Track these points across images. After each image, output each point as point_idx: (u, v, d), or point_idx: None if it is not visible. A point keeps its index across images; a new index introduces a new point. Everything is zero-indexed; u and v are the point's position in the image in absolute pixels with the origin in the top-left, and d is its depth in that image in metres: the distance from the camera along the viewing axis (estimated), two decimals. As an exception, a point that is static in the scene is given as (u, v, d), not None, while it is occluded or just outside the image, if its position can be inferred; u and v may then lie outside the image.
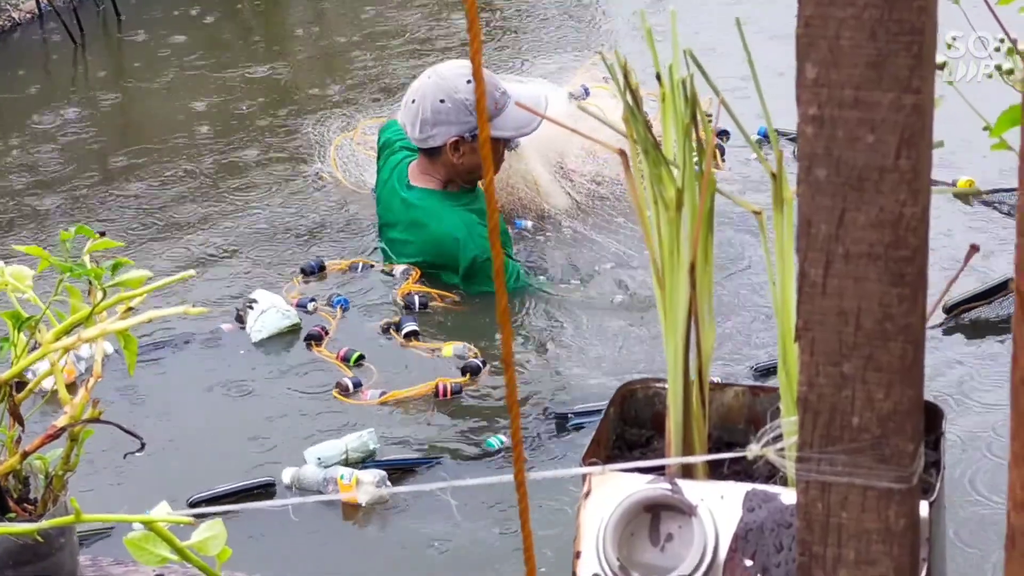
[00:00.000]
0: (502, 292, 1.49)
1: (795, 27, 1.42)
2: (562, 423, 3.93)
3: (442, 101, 4.35)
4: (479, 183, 4.53)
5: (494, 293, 4.42)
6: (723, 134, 5.07)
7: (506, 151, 4.52)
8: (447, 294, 4.48)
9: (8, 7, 6.96)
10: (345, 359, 4.23)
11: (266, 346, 4.33)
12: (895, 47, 1.41)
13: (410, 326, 4.32)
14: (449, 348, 4.25)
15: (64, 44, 6.83)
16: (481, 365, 4.16)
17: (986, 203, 4.80)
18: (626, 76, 1.69)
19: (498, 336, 4.29)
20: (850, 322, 1.49)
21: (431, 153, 4.44)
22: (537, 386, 4.08)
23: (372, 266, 4.67)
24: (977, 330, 4.26)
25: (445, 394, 4.06)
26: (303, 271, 4.67)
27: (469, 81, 4.33)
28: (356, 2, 7.30)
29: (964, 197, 4.83)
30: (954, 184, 4.80)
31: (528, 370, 4.15)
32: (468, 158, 4.42)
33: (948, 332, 4.26)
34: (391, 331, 4.34)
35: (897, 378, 1.50)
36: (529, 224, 4.84)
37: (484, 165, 1.41)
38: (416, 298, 4.43)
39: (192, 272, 2.03)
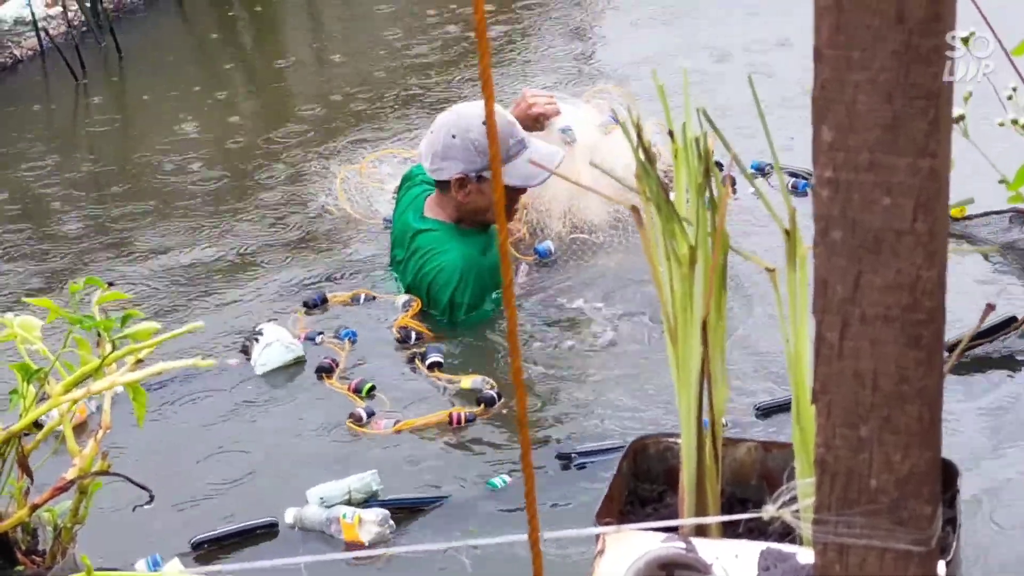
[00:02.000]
0: (516, 351, 1.49)
1: (812, 90, 1.42)
2: (566, 462, 3.92)
3: (453, 136, 4.39)
4: (490, 227, 4.55)
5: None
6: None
7: (520, 198, 4.56)
8: (439, 334, 4.48)
9: (10, 44, 6.97)
10: (357, 390, 4.23)
11: (271, 381, 4.32)
12: (911, 111, 1.41)
13: (435, 357, 4.34)
14: (468, 380, 4.26)
15: (66, 81, 6.83)
16: (496, 398, 4.17)
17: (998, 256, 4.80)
18: (638, 132, 1.69)
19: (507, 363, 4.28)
20: (867, 384, 1.49)
21: (442, 187, 4.48)
22: (545, 424, 4.07)
23: (374, 298, 4.67)
24: (980, 366, 4.26)
25: (459, 422, 4.07)
26: (305, 304, 4.67)
27: (484, 123, 4.35)
28: (357, 39, 7.31)
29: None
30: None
31: (538, 407, 4.15)
32: (474, 198, 4.44)
33: (953, 370, 4.25)
34: (416, 361, 4.36)
35: (915, 440, 1.50)
36: (551, 246, 4.85)
37: (498, 223, 1.41)
38: (412, 332, 4.44)
39: (201, 324, 2.02)
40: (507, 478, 3.85)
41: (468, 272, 4.46)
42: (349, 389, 4.25)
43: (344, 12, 7.87)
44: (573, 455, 3.92)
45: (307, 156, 5.79)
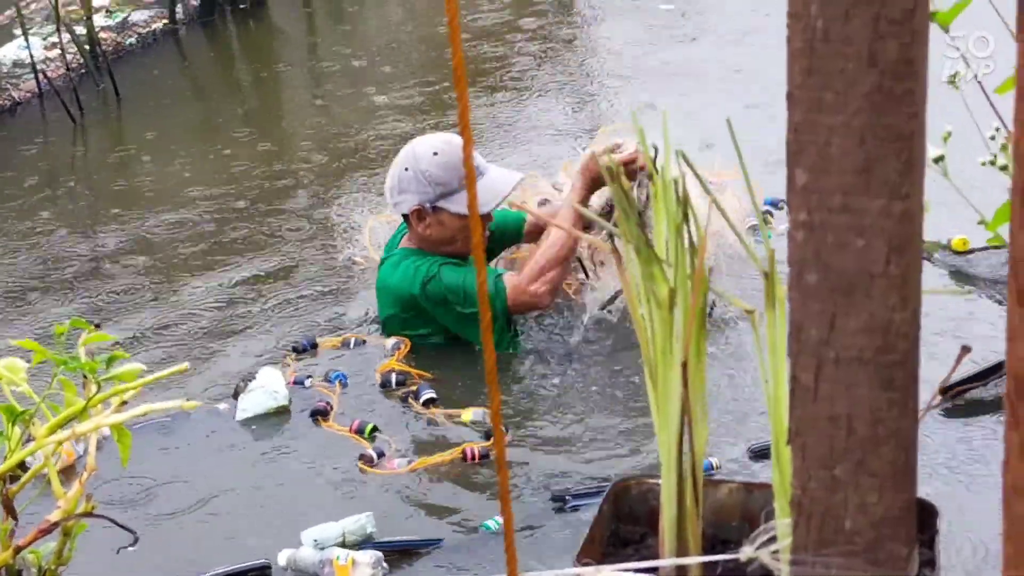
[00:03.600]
0: (495, 393, 1.49)
1: (785, 133, 1.43)
2: (560, 504, 3.91)
3: (406, 170, 4.41)
4: (467, 260, 4.55)
5: (463, 315, 4.34)
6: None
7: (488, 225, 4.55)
8: (425, 374, 4.47)
9: (8, 86, 7.00)
10: (359, 431, 4.22)
11: (260, 425, 4.31)
12: (884, 154, 1.42)
13: (428, 394, 4.33)
14: (468, 413, 4.25)
15: (64, 123, 6.86)
16: (504, 428, 4.16)
17: (989, 296, 4.79)
18: (618, 177, 1.70)
19: (515, 402, 4.28)
20: (841, 427, 1.49)
21: (407, 221, 4.49)
22: (540, 464, 4.06)
23: (364, 341, 4.67)
24: (973, 410, 4.25)
25: (474, 457, 4.07)
26: (295, 349, 4.67)
27: (435, 153, 4.39)
28: (364, 83, 7.34)
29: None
30: (948, 243, 4.80)
31: (534, 444, 4.14)
32: (435, 229, 4.45)
33: (945, 413, 4.24)
34: (409, 400, 4.35)
35: (889, 482, 1.50)
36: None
37: (476, 253, 1.41)
38: (393, 376, 4.43)
39: (185, 365, 2.03)
40: (501, 520, 3.84)
41: (416, 267, 4.45)
42: (351, 431, 4.24)
43: (345, 49, 7.90)
44: (567, 497, 3.91)
45: (317, 201, 5.80)
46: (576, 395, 4.41)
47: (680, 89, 6.56)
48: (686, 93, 6.44)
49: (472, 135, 1.49)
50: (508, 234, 4.84)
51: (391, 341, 4.56)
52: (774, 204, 4.96)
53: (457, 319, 4.49)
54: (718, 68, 6.76)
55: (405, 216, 4.46)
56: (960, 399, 4.25)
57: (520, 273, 4.49)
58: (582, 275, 4.85)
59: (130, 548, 2.16)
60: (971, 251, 4.83)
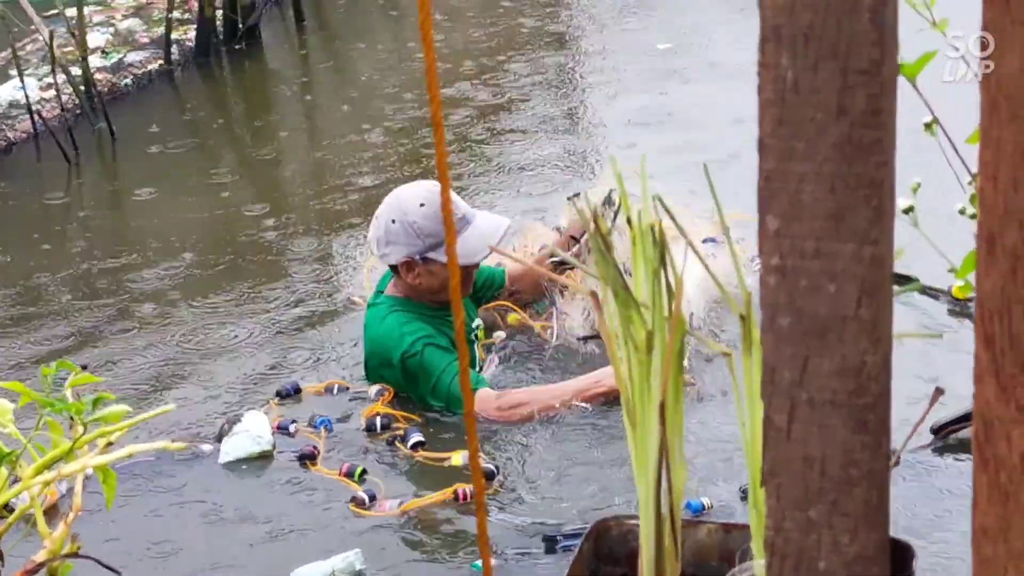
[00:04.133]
0: (473, 435, 1.51)
1: (756, 181, 1.45)
2: (551, 545, 3.91)
3: (393, 221, 4.41)
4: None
5: (426, 398, 4.36)
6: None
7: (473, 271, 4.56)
8: (412, 416, 4.48)
9: (4, 127, 7.03)
10: (349, 474, 4.23)
11: (245, 468, 4.32)
12: (854, 201, 1.45)
13: (416, 437, 4.33)
14: (458, 456, 4.26)
15: (59, 163, 6.88)
16: (495, 471, 4.17)
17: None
18: (595, 221, 1.72)
19: (506, 444, 4.28)
20: (815, 468, 1.51)
21: (394, 271, 4.50)
22: (533, 504, 4.07)
23: (348, 388, 4.67)
24: (964, 449, 4.26)
25: (465, 498, 4.07)
26: (279, 394, 4.67)
27: (422, 205, 4.40)
28: (359, 122, 7.37)
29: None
30: (949, 291, 4.82)
31: (528, 486, 4.14)
32: (424, 279, 4.46)
33: (935, 453, 4.26)
34: (396, 443, 4.35)
35: (862, 523, 1.52)
36: (547, 302, 4.89)
37: (453, 303, 1.43)
38: (378, 420, 4.44)
39: (171, 407, 2.04)
40: (493, 561, 3.85)
41: (401, 331, 4.46)
42: (340, 474, 4.25)
43: (339, 89, 7.94)
44: (558, 537, 3.91)
45: (314, 242, 5.82)
46: (567, 432, 4.42)
47: (674, 133, 6.60)
48: (680, 137, 6.48)
49: (450, 183, 1.52)
50: (494, 284, 4.87)
51: (375, 388, 4.57)
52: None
53: (420, 396, 4.50)
54: (715, 111, 6.79)
55: (393, 267, 4.47)
56: (951, 439, 4.27)
57: (499, 395, 4.49)
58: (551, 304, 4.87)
59: (116, 588, 2.17)
60: (970, 299, 4.85)
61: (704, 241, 4.90)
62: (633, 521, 1.89)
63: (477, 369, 4.63)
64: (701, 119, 6.83)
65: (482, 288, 4.80)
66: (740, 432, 1.74)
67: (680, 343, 1.76)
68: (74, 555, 2.10)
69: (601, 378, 4.44)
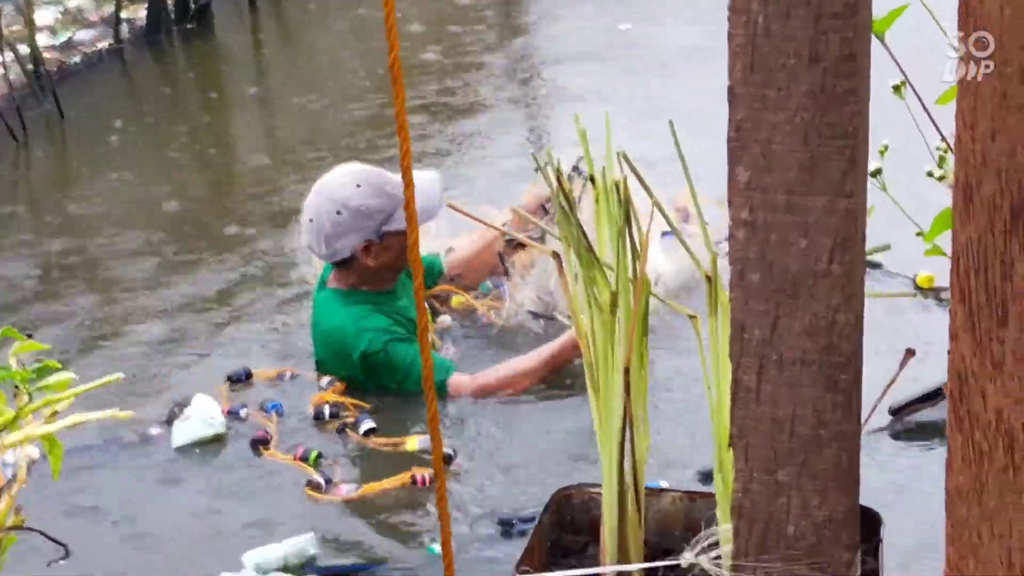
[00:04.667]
0: (432, 400, 1.46)
1: (727, 131, 1.41)
2: (507, 529, 3.87)
3: (338, 213, 4.34)
4: (398, 279, 4.51)
5: (396, 389, 4.28)
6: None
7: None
8: (361, 403, 4.43)
9: (-50, 106, 6.93)
10: (304, 458, 4.18)
11: (198, 453, 4.26)
12: (828, 150, 1.41)
13: (368, 424, 4.29)
14: (413, 441, 4.21)
15: (6, 143, 6.78)
16: (452, 454, 4.13)
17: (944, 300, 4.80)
18: (559, 179, 1.67)
19: (463, 428, 4.24)
20: (784, 429, 1.47)
21: (343, 264, 4.43)
22: (483, 488, 4.02)
23: (300, 375, 4.62)
24: (923, 432, 4.24)
25: (424, 483, 4.03)
26: (230, 379, 4.61)
27: (359, 186, 4.34)
28: (311, 102, 7.30)
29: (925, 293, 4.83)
30: (913, 279, 4.80)
31: (477, 471, 4.10)
32: (383, 256, 4.41)
33: (894, 436, 4.23)
34: (347, 431, 4.30)
35: (832, 486, 1.48)
36: (490, 284, 4.85)
37: (413, 268, 1.39)
38: (327, 408, 4.39)
39: (120, 375, 1.98)
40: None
41: (357, 326, 4.41)
42: (295, 458, 4.20)
43: (291, 68, 7.86)
44: (514, 521, 3.87)
45: (266, 221, 5.75)
46: (525, 413, 4.38)
47: (638, 115, 6.57)
48: (644, 118, 6.44)
49: (411, 149, 1.47)
50: (434, 271, 4.84)
51: (326, 378, 4.53)
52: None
53: (381, 386, 4.45)
54: (682, 97, 6.76)
55: (342, 260, 4.39)
56: (910, 421, 4.25)
57: (473, 378, 4.45)
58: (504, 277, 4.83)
59: (61, 561, 2.11)
60: (935, 289, 4.83)
61: (663, 234, 4.86)
62: (595, 490, 1.85)
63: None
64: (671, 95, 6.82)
65: (426, 271, 4.75)
66: (706, 397, 1.70)
67: (645, 305, 1.71)
68: (18, 528, 2.04)
69: (566, 341, 4.42)
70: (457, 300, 4.88)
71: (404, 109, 1.43)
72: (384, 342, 4.39)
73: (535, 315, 4.73)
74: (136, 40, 7.96)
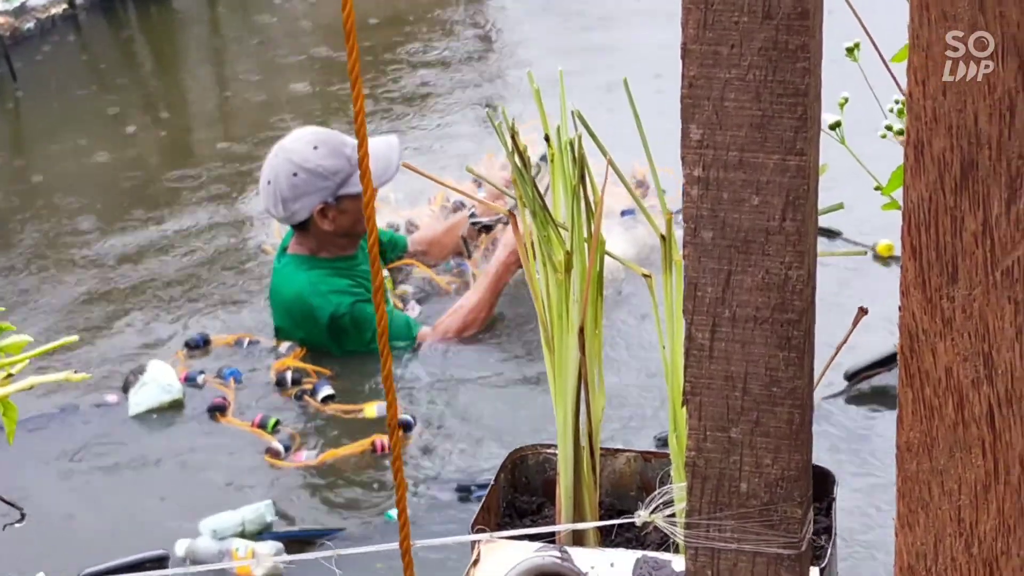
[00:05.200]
0: (387, 355, 1.46)
1: (680, 88, 1.41)
2: (466, 495, 3.88)
3: (295, 175, 4.34)
4: (360, 243, 4.52)
5: (365, 350, 4.33)
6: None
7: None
8: (322, 370, 4.43)
9: (-96, 71, 6.87)
10: (262, 425, 4.18)
11: (155, 420, 4.26)
12: (779, 108, 1.41)
13: (326, 390, 4.29)
14: (371, 408, 4.22)
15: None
16: (412, 420, 4.13)
17: None
18: (513, 137, 1.67)
19: (419, 394, 4.25)
20: (737, 386, 1.47)
21: (301, 227, 4.43)
22: (443, 454, 4.03)
23: (258, 341, 4.61)
24: (877, 397, 4.28)
25: (383, 449, 4.04)
26: (187, 345, 4.61)
27: (316, 148, 4.34)
28: (268, 70, 7.26)
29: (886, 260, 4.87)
30: (874, 248, 4.83)
31: (432, 434, 4.11)
32: (340, 219, 4.41)
33: (850, 400, 4.27)
34: (305, 397, 4.31)
35: (785, 443, 1.48)
36: (453, 263, 4.87)
37: (368, 225, 1.38)
38: (288, 374, 4.39)
39: (75, 338, 1.97)
40: (405, 508, 3.81)
41: (318, 290, 4.41)
42: (253, 425, 4.19)
43: (248, 36, 7.83)
44: (472, 487, 3.88)
45: (223, 188, 5.73)
46: (483, 381, 4.39)
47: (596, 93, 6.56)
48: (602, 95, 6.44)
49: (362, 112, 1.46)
50: (398, 247, 4.86)
51: (286, 344, 4.52)
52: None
53: (348, 349, 4.45)
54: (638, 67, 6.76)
55: (301, 223, 4.40)
56: (865, 385, 4.28)
57: (434, 328, 4.47)
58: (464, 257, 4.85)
59: (17, 525, 2.10)
60: (896, 258, 4.87)
61: (623, 213, 4.87)
62: (550, 450, 1.85)
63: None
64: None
65: (386, 248, 4.77)
66: (660, 356, 1.71)
67: (600, 264, 1.71)
68: (-28, 490, 2.02)
69: (502, 260, 4.46)
70: (418, 272, 4.90)
71: (358, 67, 1.43)
72: (350, 304, 4.40)
73: (477, 223, 4.75)
74: (91, 5, 7.92)
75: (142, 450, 4.16)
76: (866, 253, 1.85)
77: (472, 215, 4.80)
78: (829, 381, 4.19)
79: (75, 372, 2.03)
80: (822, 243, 4.88)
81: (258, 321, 4.76)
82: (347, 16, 1.39)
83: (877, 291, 4.50)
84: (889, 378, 4.33)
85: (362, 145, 1.40)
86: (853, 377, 4.29)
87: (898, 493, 1.39)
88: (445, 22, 7.72)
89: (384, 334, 1.40)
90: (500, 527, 1.83)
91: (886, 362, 4.32)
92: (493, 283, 4.49)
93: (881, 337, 4.24)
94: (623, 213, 4.87)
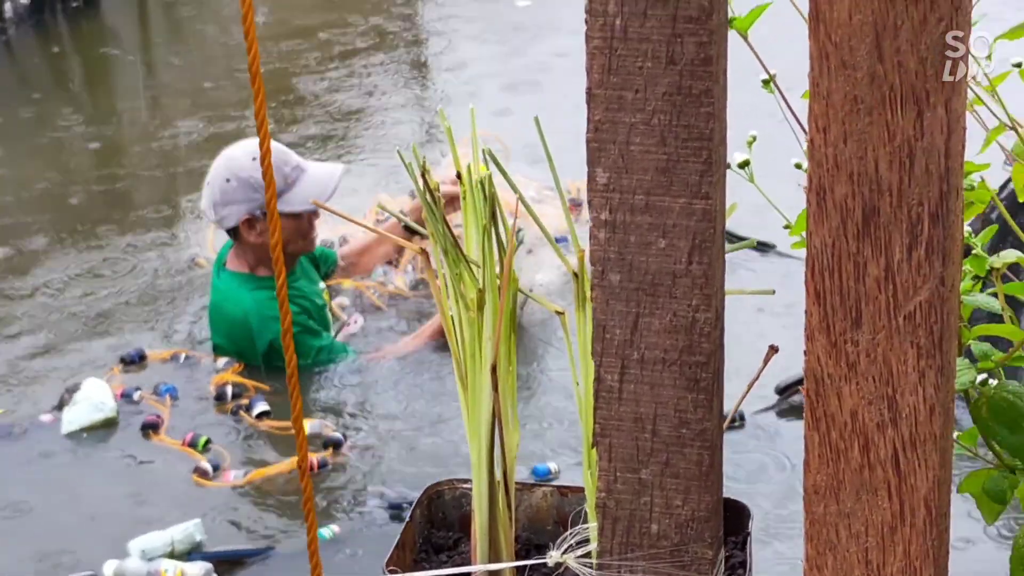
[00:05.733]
0: (294, 373, 1.45)
1: (585, 132, 1.41)
2: (396, 512, 3.87)
3: (228, 180, 4.33)
4: (297, 261, 4.50)
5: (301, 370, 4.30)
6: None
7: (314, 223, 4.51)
8: (261, 385, 4.41)
9: None
10: (192, 444, 4.15)
11: (88, 438, 4.22)
12: (684, 152, 1.41)
13: (261, 406, 4.27)
14: (304, 425, 4.20)
15: None
16: (342, 438, 4.12)
17: None
18: (424, 175, 1.67)
19: (353, 412, 4.23)
20: (647, 428, 1.48)
21: (234, 235, 4.42)
22: (374, 472, 4.02)
23: (194, 356, 4.58)
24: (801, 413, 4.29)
25: (312, 469, 4.01)
26: (123, 360, 4.57)
27: (255, 159, 4.32)
28: (197, 83, 7.22)
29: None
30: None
31: (370, 454, 4.10)
32: (266, 235, 4.39)
33: (780, 414, 4.29)
34: (240, 412, 4.28)
35: (695, 484, 1.49)
36: (381, 271, 4.88)
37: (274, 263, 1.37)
38: (228, 388, 4.37)
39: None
40: (336, 528, 3.80)
41: (263, 316, 4.40)
42: (183, 444, 4.16)
43: (177, 50, 7.79)
44: (404, 504, 3.87)
45: (153, 202, 5.69)
46: (413, 397, 4.38)
47: (525, 99, 6.55)
48: (531, 102, 6.44)
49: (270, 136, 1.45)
50: (328, 261, 4.86)
51: (223, 359, 4.49)
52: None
53: (281, 366, 4.45)
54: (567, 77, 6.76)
55: (232, 230, 4.38)
56: (796, 400, 4.30)
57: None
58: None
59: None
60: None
61: (557, 240, 4.89)
62: (467, 485, 1.85)
63: (335, 331, 4.61)
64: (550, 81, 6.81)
65: (318, 262, 4.76)
66: (575, 392, 1.71)
67: (512, 302, 1.71)
68: None
69: (425, 332, 4.49)
70: (347, 283, 4.90)
71: (264, 99, 1.43)
72: (294, 331, 4.38)
73: (409, 228, 4.76)
74: (20, 20, 7.85)
75: (71, 469, 4.12)
76: (774, 292, 1.85)
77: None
78: (761, 395, 4.21)
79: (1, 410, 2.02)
80: (755, 256, 4.92)
81: (191, 336, 4.73)
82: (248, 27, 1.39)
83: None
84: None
85: (265, 158, 1.40)
86: (784, 391, 4.31)
87: (806, 536, 1.40)
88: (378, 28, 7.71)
89: (288, 332, 1.40)
90: (416, 564, 1.82)
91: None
92: (406, 348, 4.55)
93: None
94: (558, 240, 4.88)
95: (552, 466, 3.98)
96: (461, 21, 7.95)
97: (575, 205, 5.02)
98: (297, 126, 6.48)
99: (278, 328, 4.36)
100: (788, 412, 4.29)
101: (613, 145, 1.42)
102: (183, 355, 4.59)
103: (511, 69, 7.09)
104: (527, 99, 6.39)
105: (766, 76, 2.09)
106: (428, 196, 1.68)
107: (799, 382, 4.30)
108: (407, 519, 1.84)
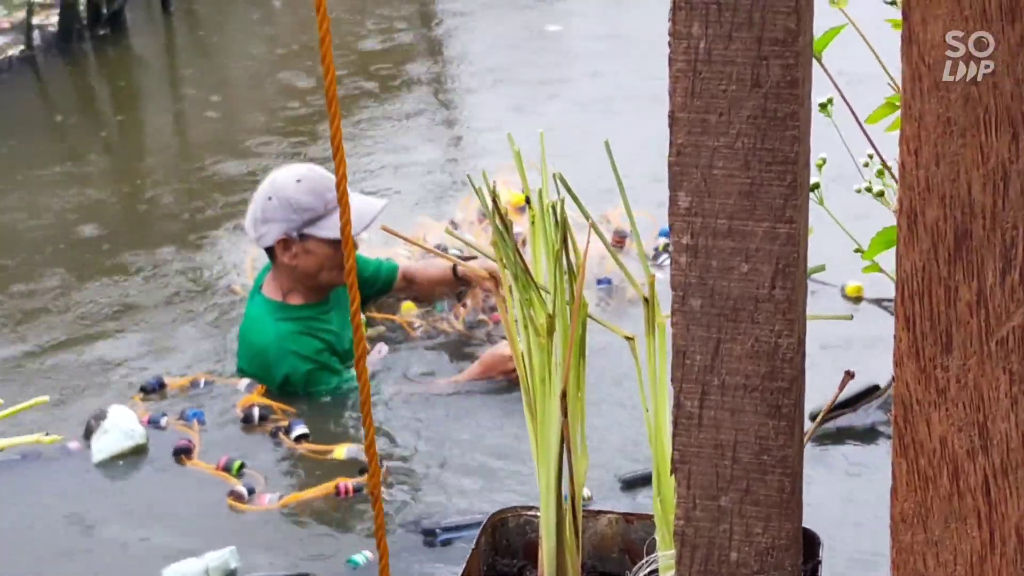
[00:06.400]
0: (369, 423, 1.44)
1: (667, 155, 1.40)
2: (431, 539, 3.85)
3: (269, 199, 4.34)
4: (327, 296, 4.49)
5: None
6: None
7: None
8: (288, 407, 4.40)
9: None
10: (227, 468, 4.14)
11: (120, 465, 4.20)
12: (768, 176, 1.40)
13: (300, 429, 4.26)
14: (341, 450, 4.19)
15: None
16: (379, 464, 4.10)
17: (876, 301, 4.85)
18: (494, 200, 1.65)
19: (390, 437, 4.22)
20: (727, 455, 1.46)
21: (271, 256, 4.43)
22: (412, 497, 4.00)
23: (213, 381, 4.58)
24: (842, 438, 4.27)
25: (347, 493, 4.00)
26: (143, 389, 4.56)
27: (299, 180, 4.34)
28: (225, 110, 7.23)
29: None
30: (842, 289, 4.84)
31: (402, 481, 4.08)
32: (302, 260, 4.38)
33: (814, 441, 4.26)
34: (280, 435, 4.27)
35: (775, 512, 1.47)
36: (446, 304, 4.85)
37: (348, 284, 1.36)
38: (256, 410, 4.36)
39: (45, 398, 1.94)
40: (369, 555, 3.79)
41: (283, 348, 4.39)
42: (218, 468, 4.15)
43: (204, 77, 7.80)
44: (437, 531, 3.85)
45: (186, 231, 5.69)
46: (450, 426, 4.36)
47: (572, 126, 6.55)
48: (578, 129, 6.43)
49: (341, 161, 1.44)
50: (380, 283, 4.81)
51: (245, 381, 4.48)
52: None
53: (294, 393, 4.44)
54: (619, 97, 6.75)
55: (269, 249, 4.39)
56: (831, 426, 4.27)
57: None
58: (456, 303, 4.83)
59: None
60: (860, 299, 4.88)
61: (598, 283, 4.87)
62: (530, 512, 1.83)
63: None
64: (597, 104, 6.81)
65: (370, 280, 4.73)
66: (644, 419, 1.69)
67: (582, 328, 1.69)
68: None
69: (474, 371, 4.45)
70: (407, 306, 4.85)
71: (339, 129, 1.41)
72: (306, 371, 4.38)
73: (459, 257, 4.74)
74: (48, 47, 7.87)
75: (105, 497, 4.10)
76: (851, 318, 1.88)
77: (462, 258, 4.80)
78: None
79: (46, 434, 2.00)
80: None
81: (214, 362, 4.72)
82: (325, 53, 1.38)
83: (840, 334, 4.51)
84: (853, 419, 4.32)
85: (341, 183, 1.38)
86: (815, 417, 4.28)
87: (892, 565, 1.38)
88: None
89: (362, 358, 1.39)
90: (481, 592, 1.80)
91: (851, 402, 4.32)
92: (451, 384, 4.53)
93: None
94: (599, 282, 4.87)
95: (585, 492, 3.97)
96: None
97: (620, 237, 5.00)
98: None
99: (294, 363, 4.37)
100: (822, 438, 4.27)
101: (696, 169, 1.41)
102: (202, 380, 4.59)
103: (538, 96, 7.09)
104: (535, 120, 6.40)
105: (822, 101, 2.08)
106: (499, 221, 1.66)
107: (835, 408, 4.28)
108: (473, 547, 1.82)
